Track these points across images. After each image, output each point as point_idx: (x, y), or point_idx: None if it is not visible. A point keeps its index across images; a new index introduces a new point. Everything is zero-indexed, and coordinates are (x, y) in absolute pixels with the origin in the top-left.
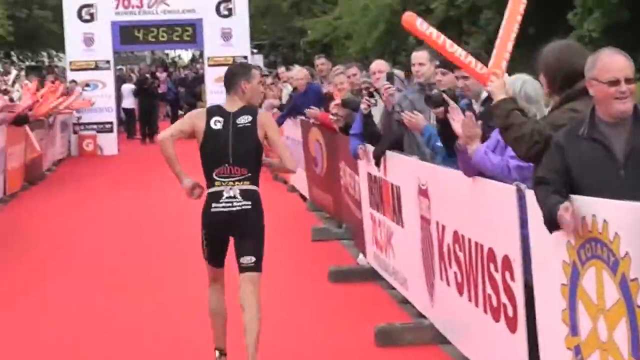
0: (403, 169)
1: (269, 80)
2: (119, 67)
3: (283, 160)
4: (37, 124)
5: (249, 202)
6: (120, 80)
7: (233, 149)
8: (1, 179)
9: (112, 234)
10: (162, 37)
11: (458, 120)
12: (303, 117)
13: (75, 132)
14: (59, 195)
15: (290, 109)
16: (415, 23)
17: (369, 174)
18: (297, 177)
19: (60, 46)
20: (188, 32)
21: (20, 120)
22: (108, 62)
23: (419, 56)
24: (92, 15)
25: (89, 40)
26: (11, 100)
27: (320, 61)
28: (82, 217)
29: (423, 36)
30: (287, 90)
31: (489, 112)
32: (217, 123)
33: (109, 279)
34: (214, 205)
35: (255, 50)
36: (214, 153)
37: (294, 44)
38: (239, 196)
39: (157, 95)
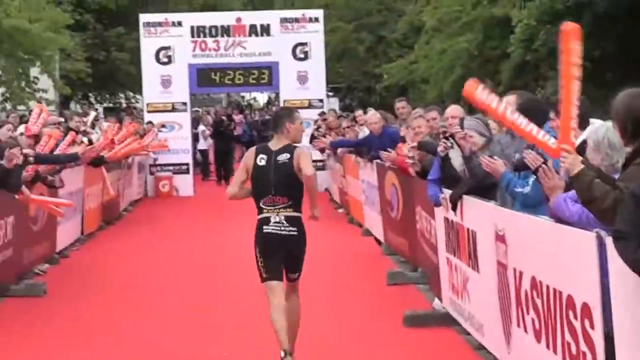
0: (480, 214)
1: (344, 123)
2: (195, 109)
3: (302, 167)
4: (114, 165)
5: (295, 229)
6: (195, 122)
7: (275, 182)
8: (79, 219)
9: (187, 275)
10: (239, 79)
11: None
12: (379, 161)
13: (151, 173)
14: (134, 236)
15: (358, 143)
16: (475, 92)
17: (446, 219)
18: (372, 221)
19: (137, 88)
20: (264, 75)
21: (97, 162)
22: (185, 104)
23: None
24: (169, 57)
25: (166, 82)
26: (90, 142)
27: (401, 104)
28: (157, 257)
29: (482, 105)
30: (363, 133)
31: None
32: (261, 160)
33: (183, 320)
34: (264, 227)
35: (331, 94)
36: (260, 185)
37: (369, 87)
38: (284, 222)
39: (233, 137)
